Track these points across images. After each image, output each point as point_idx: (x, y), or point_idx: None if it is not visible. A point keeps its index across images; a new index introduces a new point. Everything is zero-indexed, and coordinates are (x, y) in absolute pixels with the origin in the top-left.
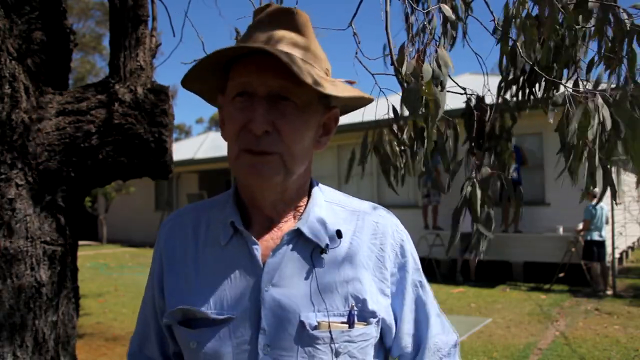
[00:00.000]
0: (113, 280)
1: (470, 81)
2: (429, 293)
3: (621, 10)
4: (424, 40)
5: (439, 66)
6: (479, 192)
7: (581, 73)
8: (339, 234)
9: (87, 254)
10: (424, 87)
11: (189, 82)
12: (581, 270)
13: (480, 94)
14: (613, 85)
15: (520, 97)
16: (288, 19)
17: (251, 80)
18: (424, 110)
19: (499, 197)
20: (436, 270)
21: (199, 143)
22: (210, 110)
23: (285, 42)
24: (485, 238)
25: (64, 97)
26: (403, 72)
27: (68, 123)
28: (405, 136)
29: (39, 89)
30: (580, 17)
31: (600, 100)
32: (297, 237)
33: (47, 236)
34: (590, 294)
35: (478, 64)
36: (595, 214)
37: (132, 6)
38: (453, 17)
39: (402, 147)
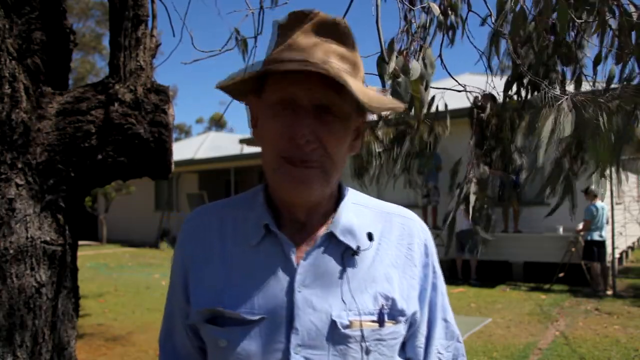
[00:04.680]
0: (113, 280)
1: (470, 81)
2: (440, 296)
3: (627, 2)
4: (414, 37)
5: (425, 65)
6: (472, 194)
7: (585, 70)
8: (370, 236)
9: (87, 254)
10: (412, 85)
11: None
12: (581, 270)
13: (488, 91)
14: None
15: (525, 97)
16: (332, 30)
17: (296, 90)
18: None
19: (498, 197)
20: None
21: (199, 143)
22: (210, 110)
23: (331, 52)
24: (483, 241)
25: (64, 97)
26: (391, 68)
27: (68, 123)
28: (386, 138)
29: (39, 89)
30: (584, 10)
31: (565, 104)
32: (329, 240)
33: (47, 236)
34: (590, 294)
35: (478, 63)
36: (596, 214)
37: (132, 6)
38: (442, 17)
39: (382, 149)
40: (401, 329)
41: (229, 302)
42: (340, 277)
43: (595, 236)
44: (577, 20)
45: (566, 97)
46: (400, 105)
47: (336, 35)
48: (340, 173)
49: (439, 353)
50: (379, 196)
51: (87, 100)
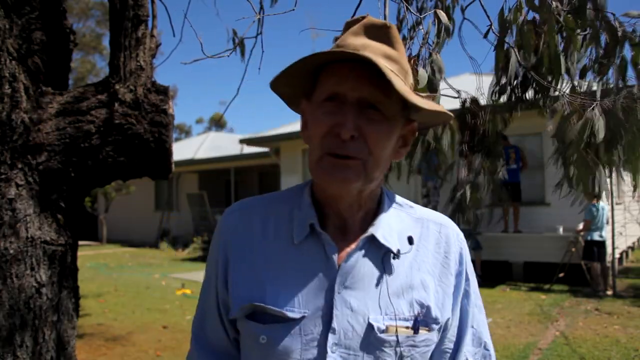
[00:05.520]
0: (113, 280)
1: (470, 81)
2: (472, 302)
3: (615, 19)
4: (412, 44)
5: (434, 71)
6: (468, 194)
7: (574, 78)
8: (410, 240)
9: (87, 254)
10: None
11: (277, 84)
12: (581, 270)
13: (478, 96)
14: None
15: (512, 100)
16: (382, 32)
17: (343, 86)
18: None
19: (499, 198)
20: None
21: (199, 143)
22: (210, 110)
23: (380, 53)
24: (473, 238)
25: (64, 97)
26: None
27: (68, 123)
28: None
29: (39, 89)
30: (578, 22)
31: (596, 111)
32: (370, 242)
33: (47, 236)
34: (590, 294)
35: (478, 63)
36: (596, 214)
37: (132, 6)
38: (449, 23)
39: None
40: (434, 336)
41: (270, 299)
42: (379, 281)
43: (596, 236)
44: (574, 33)
45: (596, 102)
46: (449, 114)
47: (385, 38)
48: (382, 174)
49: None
50: None
51: (87, 100)
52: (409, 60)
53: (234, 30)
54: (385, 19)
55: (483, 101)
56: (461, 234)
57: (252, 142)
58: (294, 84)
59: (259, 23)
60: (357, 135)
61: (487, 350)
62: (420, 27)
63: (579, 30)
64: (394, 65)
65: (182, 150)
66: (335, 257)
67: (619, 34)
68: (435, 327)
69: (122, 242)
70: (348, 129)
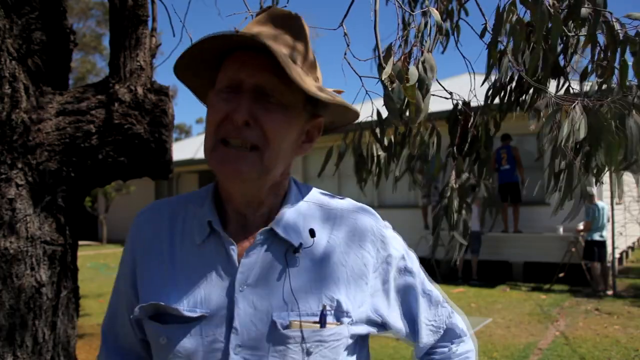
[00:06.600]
0: (113, 280)
1: (468, 82)
2: (416, 275)
3: (614, 19)
4: (410, 43)
5: (425, 70)
6: (455, 201)
7: (572, 82)
8: (311, 233)
9: (87, 254)
10: (407, 90)
11: (183, 72)
12: (581, 270)
13: (471, 97)
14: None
15: (507, 101)
16: (287, 22)
17: (242, 73)
18: (406, 114)
19: (488, 204)
20: (436, 270)
21: (199, 143)
22: None
23: (282, 42)
24: (460, 245)
25: (64, 97)
26: (387, 73)
27: (68, 123)
28: (386, 139)
29: (39, 89)
30: (573, 24)
31: (578, 109)
32: (271, 237)
33: (47, 236)
34: (590, 294)
35: (477, 64)
36: (597, 215)
37: (132, 6)
38: (443, 24)
39: (383, 150)
40: (344, 330)
41: (171, 298)
42: (283, 277)
43: (596, 236)
44: (569, 34)
45: (577, 100)
46: (356, 110)
47: (290, 29)
48: (284, 167)
49: (428, 324)
50: (380, 196)
51: (87, 100)
52: (400, 59)
53: (235, 29)
54: (375, 14)
55: (476, 102)
56: (380, 222)
57: None
58: (200, 74)
59: None
60: (253, 122)
61: (444, 306)
62: (413, 26)
63: (575, 32)
64: (297, 55)
65: (182, 150)
66: (234, 254)
67: (621, 36)
68: (346, 320)
69: (122, 242)
70: (241, 114)
